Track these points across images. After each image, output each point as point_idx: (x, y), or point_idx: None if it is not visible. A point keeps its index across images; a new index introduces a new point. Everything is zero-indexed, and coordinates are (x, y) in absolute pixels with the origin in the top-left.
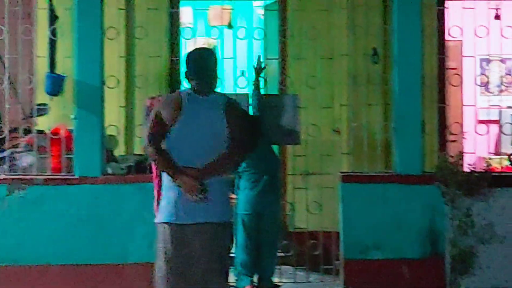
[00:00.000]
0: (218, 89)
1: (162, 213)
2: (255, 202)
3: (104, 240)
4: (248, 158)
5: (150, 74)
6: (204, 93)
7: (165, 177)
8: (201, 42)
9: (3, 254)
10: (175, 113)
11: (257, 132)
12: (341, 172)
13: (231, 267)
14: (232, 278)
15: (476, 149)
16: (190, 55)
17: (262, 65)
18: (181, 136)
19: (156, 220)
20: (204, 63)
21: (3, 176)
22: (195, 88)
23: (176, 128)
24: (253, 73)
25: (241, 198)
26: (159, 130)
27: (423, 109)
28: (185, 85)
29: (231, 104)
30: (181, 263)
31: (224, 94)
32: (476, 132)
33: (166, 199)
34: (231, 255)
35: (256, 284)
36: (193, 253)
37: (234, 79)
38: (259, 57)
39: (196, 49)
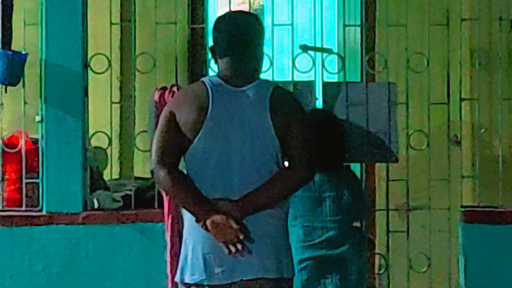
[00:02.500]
0: (264, 75)
1: (185, 270)
2: (315, 278)
3: None
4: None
5: (159, 51)
6: (241, 82)
7: (186, 215)
8: (238, 2)
9: None
10: (197, 115)
11: (331, 143)
12: (463, 207)
13: None
14: None
15: None
16: (218, 21)
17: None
18: (208, 152)
19: (178, 280)
20: (241, 33)
21: None
22: (227, 75)
23: (200, 139)
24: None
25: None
26: (174, 143)
27: None
28: (214, 68)
29: (281, 96)
30: None
31: (271, 81)
32: None
33: (189, 249)
34: None
35: None
36: None
37: (291, 59)
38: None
39: (228, 12)
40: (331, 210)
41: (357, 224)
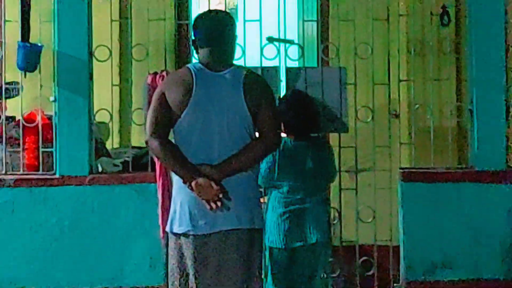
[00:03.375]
0: (237, 62)
1: (174, 222)
2: (290, 235)
3: (93, 258)
4: (280, 164)
5: (151, 43)
6: (218, 67)
7: (174, 177)
8: (216, 1)
9: None
10: (183, 95)
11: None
12: (401, 168)
13: None
14: None
15: None
16: (199, 18)
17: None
18: (192, 125)
19: (168, 230)
20: (217, 28)
21: None
22: (207, 62)
23: (186, 115)
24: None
25: (270, 225)
26: (164, 118)
27: (508, 85)
28: (196, 57)
29: (253, 78)
30: (205, 282)
31: (243, 67)
32: None
33: (178, 205)
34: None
35: None
36: (218, 268)
37: (259, 48)
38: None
39: (208, 11)
40: (309, 173)
41: (326, 183)
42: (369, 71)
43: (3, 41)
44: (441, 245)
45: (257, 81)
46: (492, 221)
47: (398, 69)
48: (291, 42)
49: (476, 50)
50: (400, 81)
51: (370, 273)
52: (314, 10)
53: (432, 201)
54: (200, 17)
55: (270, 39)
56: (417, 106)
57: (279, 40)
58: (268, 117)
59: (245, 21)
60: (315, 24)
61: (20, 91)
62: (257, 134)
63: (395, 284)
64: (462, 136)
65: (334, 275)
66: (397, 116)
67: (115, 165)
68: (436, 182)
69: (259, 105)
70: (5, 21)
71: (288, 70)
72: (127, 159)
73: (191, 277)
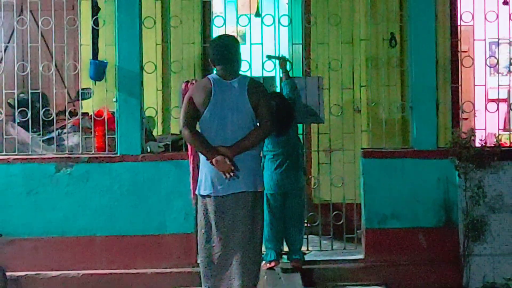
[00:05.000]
0: (246, 73)
1: (201, 187)
2: (279, 182)
3: (144, 213)
4: (272, 139)
5: (184, 59)
6: (229, 77)
7: (201, 156)
8: (231, 30)
9: (52, 226)
10: (205, 97)
11: (286, 111)
12: (362, 148)
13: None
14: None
15: (486, 126)
16: (213, 42)
17: (282, 57)
18: (212, 118)
19: (197, 193)
20: (226, 49)
21: (51, 155)
22: (221, 73)
23: (208, 111)
24: (279, 65)
25: (266, 178)
26: (192, 114)
27: (437, 89)
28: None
29: (254, 84)
30: (222, 229)
31: (248, 76)
32: (487, 110)
33: (203, 175)
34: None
35: (278, 260)
36: (232, 220)
37: (261, 63)
38: (281, 57)
39: (219, 36)
40: (285, 156)
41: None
42: (339, 79)
43: (80, 59)
44: (390, 203)
45: (257, 86)
46: (427, 185)
47: (360, 78)
48: (284, 58)
49: (415, 64)
50: (361, 86)
51: (340, 223)
52: (300, 36)
53: (384, 172)
54: (213, 41)
55: (268, 57)
56: (373, 104)
57: (275, 57)
58: (265, 111)
59: (251, 44)
60: (300, 46)
61: (92, 95)
62: (258, 124)
63: (357, 231)
64: (405, 125)
65: (315, 224)
66: (359, 111)
67: (159, 147)
68: (387, 158)
69: (259, 103)
70: (80, 44)
71: (281, 79)
72: (167, 142)
73: (213, 226)
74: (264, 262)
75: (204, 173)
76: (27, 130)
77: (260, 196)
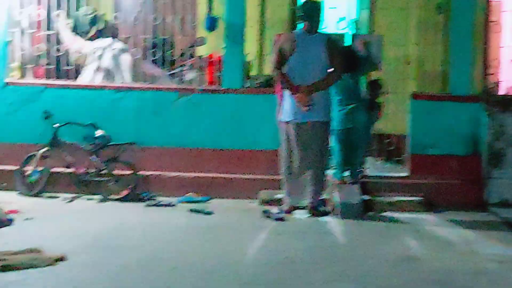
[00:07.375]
0: (324, 30)
1: (285, 115)
2: (345, 120)
3: (242, 133)
4: (340, 85)
5: (276, 17)
6: (311, 32)
7: (286, 91)
8: None
9: (172, 139)
10: (291, 47)
11: (354, 61)
12: (413, 92)
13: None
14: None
15: (509, 78)
16: (302, 5)
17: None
18: (296, 64)
19: (281, 119)
20: (311, 11)
21: (174, 86)
22: (305, 29)
23: (292, 58)
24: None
25: (335, 116)
26: (281, 59)
27: (472, 48)
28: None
29: (331, 40)
30: (299, 147)
31: (326, 33)
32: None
33: (287, 106)
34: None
35: (342, 179)
36: (307, 141)
37: (336, 22)
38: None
39: (307, 1)
40: (354, 96)
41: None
42: (396, 38)
43: (197, 14)
44: (431, 135)
45: (333, 41)
46: (460, 123)
47: (411, 38)
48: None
49: (455, 28)
50: (413, 44)
51: (391, 148)
52: (367, 3)
53: (428, 111)
54: (304, 4)
55: (342, 19)
56: (422, 58)
57: (346, 20)
58: (336, 60)
59: (329, 8)
60: (367, 11)
61: (205, 42)
62: (330, 70)
63: (404, 155)
64: (445, 76)
65: (372, 148)
66: (409, 63)
67: (256, 84)
68: (430, 101)
69: (332, 53)
70: (198, 3)
71: (352, 36)
72: (261, 81)
73: (293, 145)
74: (333, 179)
75: (287, 104)
76: (157, 67)
77: (328, 125)
